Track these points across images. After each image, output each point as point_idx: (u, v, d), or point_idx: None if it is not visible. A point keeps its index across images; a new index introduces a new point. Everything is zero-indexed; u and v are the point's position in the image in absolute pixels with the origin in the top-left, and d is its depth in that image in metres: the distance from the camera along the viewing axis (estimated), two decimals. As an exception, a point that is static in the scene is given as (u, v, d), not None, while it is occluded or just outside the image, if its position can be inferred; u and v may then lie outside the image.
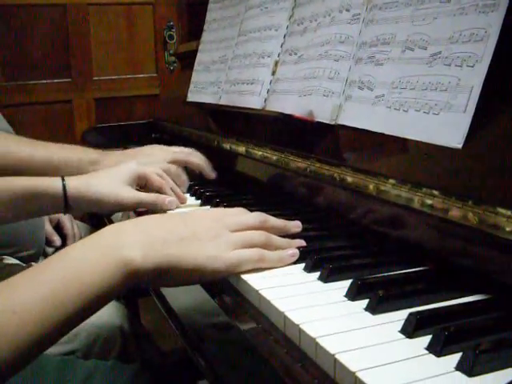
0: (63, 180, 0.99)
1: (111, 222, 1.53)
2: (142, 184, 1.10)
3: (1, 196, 0.94)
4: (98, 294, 0.65)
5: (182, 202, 1.12)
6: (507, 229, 0.63)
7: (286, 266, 0.78)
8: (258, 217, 0.82)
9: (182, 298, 1.07)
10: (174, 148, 1.33)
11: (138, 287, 0.72)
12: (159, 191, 1.08)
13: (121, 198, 1.02)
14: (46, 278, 0.64)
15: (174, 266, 0.70)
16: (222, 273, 0.74)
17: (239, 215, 0.82)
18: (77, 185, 1.00)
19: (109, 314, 1.18)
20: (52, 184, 0.99)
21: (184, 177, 1.21)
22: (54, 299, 0.62)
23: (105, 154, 1.25)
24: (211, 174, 1.28)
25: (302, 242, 0.82)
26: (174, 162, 1.21)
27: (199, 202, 1.17)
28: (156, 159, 1.22)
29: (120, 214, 1.44)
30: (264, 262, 0.76)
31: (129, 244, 0.69)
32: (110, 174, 1.04)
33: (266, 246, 0.78)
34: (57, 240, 1.51)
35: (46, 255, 1.50)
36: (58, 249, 1.51)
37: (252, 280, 0.73)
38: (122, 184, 1.03)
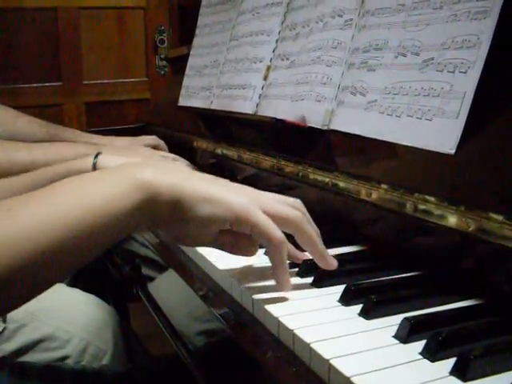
0: (95, 158, 0.98)
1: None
2: None
3: (37, 186, 0.93)
4: (111, 216, 0.60)
5: None
6: (499, 234, 0.63)
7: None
8: (296, 211, 0.71)
9: (172, 302, 1.07)
10: (160, 152, 1.35)
11: (155, 227, 0.69)
12: None
13: None
14: (56, 200, 0.60)
15: (188, 192, 0.65)
16: (236, 214, 0.66)
17: (277, 200, 0.72)
18: (108, 161, 0.98)
19: (100, 320, 1.17)
20: (84, 163, 0.97)
21: None
22: (63, 219, 0.58)
23: (97, 147, 1.24)
24: None
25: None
26: None
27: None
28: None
29: None
30: (282, 253, 0.68)
31: (143, 168, 0.66)
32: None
33: (296, 233, 0.70)
34: None
35: None
36: None
37: (245, 285, 0.73)
38: None
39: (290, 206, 0.71)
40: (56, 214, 0.58)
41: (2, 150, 1.13)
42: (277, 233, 0.67)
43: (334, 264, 0.72)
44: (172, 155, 1.34)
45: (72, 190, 0.62)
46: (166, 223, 0.68)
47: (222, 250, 0.73)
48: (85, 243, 0.60)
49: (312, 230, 0.71)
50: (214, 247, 0.72)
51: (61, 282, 0.63)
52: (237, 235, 0.70)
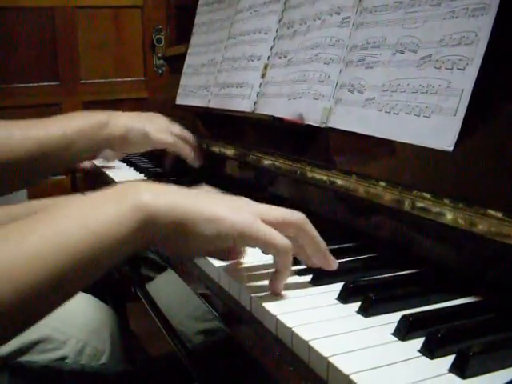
0: None
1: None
2: None
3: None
4: (111, 240, 0.61)
5: None
6: (497, 231, 0.63)
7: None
8: (297, 214, 0.71)
9: (171, 301, 1.07)
10: (175, 125, 1.38)
11: (155, 246, 0.69)
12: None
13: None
14: (55, 225, 0.60)
15: (190, 213, 0.65)
16: (239, 231, 0.66)
17: (275, 208, 0.72)
18: None
19: (98, 320, 1.17)
20: None
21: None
22: (64, 244, 0.58)
23: (111, 114, 1.26)
24: (198, 160, 1.34)
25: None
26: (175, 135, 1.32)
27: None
28: (161, 127, 1.30)
29: None
30: (289, 260, 0.68)
31: (140, 190, 0.65)
32: None
33: (299, 234, 0.70)
34: None
35: None
36: None
37: (243, 283, 0.73)
38: None
39: (289, 211, 0.71)
40: (59, 241, 0.58)
41: (18, 129, 1.13)
42: (282, 241, 0.67)
43: (335, 265, 0.72)
44: (186, 131, 1.38)
45: (72, 217, 0.61)
46: (166, 243, 0.68)
47: (213, 258, 0.77)
48: (88, 267, 0.61)
49: (314, 230, 0.71)
50: (207, 256, 0.76)
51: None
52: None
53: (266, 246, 0.68)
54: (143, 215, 0.63)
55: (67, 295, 0.62)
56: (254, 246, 0.70)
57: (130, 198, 0.64)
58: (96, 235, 0.60)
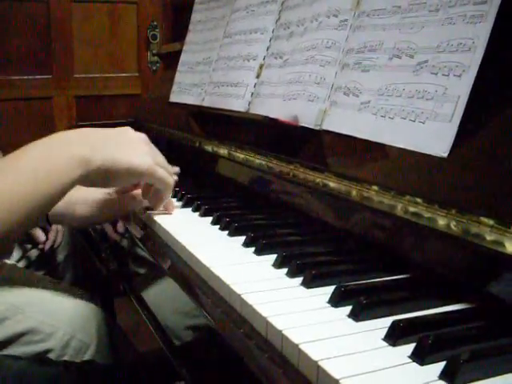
0: None
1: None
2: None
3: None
4: (58, 187, 0.84)
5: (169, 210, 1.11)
6: (489, 238, 0.63)
7: (268, 271, 0.78)
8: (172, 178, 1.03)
9: (159, 298, 1.06)
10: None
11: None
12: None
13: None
14: (22, 169, 0.83)
15: (116, 166, 0.90)
16: (146, 174, 0.95)
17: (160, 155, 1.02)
18: None
19: (85, 314, 1.16)
20: None
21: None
22: (33, 184, 0.82)
23: None
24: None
25: None
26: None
27: (180, 203, 1.17)
28: None
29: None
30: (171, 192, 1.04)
31: (80, 147, 0.88)
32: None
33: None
34: (41, 236, 1.50)
35: (25, 251, 1.48)
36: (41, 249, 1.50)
37: (234, 285, 0.72)
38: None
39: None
40: (26, 188, 0.82)
41: None
42: (171, 179, 1.01)
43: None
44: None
45: (34, 173, 0.83)
46: (92, 185, 0.94)
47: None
48: (44, 203, 0.84)
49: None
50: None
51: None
52: None
53: (161, 185, 0.99)
54: (83, 168, 0.86)
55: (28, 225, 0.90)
56: (151, 182, 1.00)
57: (75, 153, 0.86)
58: (51, 183, 0.84)
